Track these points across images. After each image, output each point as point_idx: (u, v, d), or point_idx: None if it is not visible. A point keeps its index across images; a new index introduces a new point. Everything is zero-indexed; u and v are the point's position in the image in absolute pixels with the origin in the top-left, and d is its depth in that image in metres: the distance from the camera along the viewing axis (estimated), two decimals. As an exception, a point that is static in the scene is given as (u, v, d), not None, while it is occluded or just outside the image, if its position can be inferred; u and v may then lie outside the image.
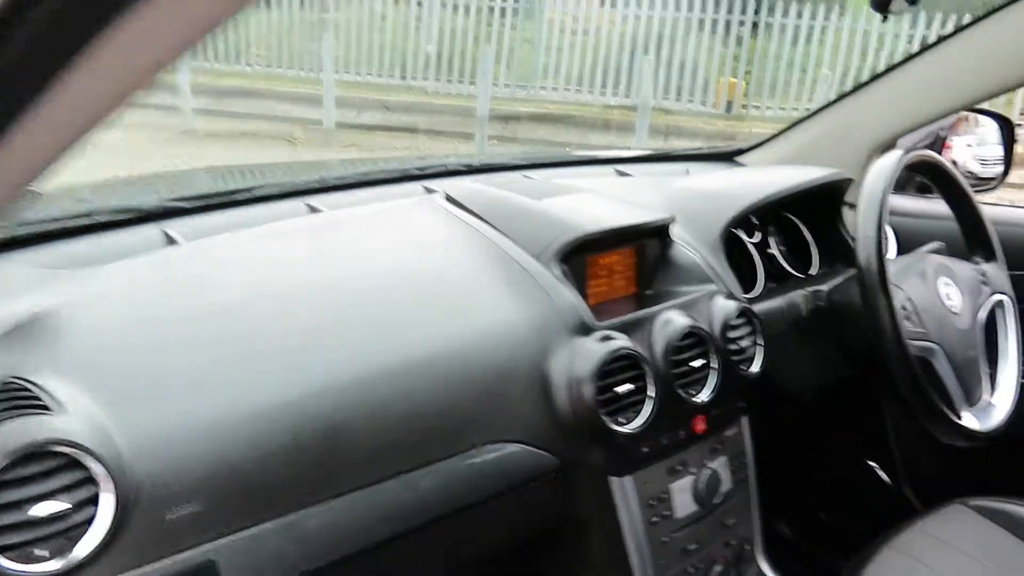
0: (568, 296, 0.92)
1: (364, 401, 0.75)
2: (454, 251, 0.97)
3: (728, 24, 8.15)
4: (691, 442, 0.99)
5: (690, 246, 1.12)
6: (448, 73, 8.50)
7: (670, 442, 0.96)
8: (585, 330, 0.90)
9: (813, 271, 1.37)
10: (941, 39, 1.37)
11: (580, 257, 1.00)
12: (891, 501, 1.58)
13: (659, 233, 1.08)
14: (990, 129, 1.62)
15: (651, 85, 7.74)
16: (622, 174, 1.48)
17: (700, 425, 0.99)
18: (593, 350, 0.87)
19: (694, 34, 8.13)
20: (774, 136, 1.64)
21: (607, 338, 0.89)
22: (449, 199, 1.10)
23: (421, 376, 0.79)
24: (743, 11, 8.05)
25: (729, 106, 8.14)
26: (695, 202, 1.23)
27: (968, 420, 1.10)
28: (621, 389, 0.88)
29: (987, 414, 1.14)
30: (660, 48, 8.10)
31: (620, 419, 0.88)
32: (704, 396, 0.97)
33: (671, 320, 0.97)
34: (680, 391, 0.95)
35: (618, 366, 0.89)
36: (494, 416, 0.83)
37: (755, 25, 8.13)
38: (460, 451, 0.81)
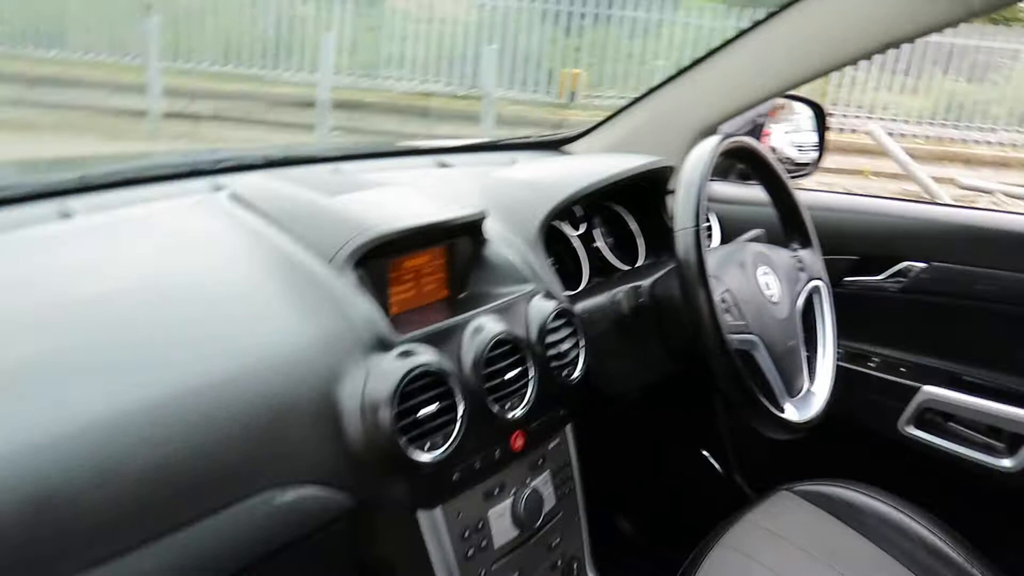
0: (363, 307, 0.81)
1: (95, 455, 0.60)
2: (229, 260, 0.83)
3: (570, 16, 8.31)
4: (509, 461, 0.91)
5: (507, 243, 1.03)
6: (288, 61, 8.12)
7: (485, 464, 0.87)
8: (383, 346, 0.79)
9: (640, 263, 1.32)
10: (756, 24, 1.36)
11: (381, 261, 0.89)
12: (724, 489, 1.58)
13: (471, 230, 0.98)
14: (805, 116, 1.64)
15: (495, 74, 7.74)
16: (444, 165, 1.38)
17: (519, 441, 0.91)
18: (390, 369, 0.77)
19: (538, 25, 8.22)
20: (601, 123, 1.59)
21: (408, 354, 0.79)
22: (234, 198, 0.95)
23: (175, 417, 0.65)
24: (584, 3, 8.22)
25: (572, 96, 8.32)
26: (513, 194, 1.15)
27: (790, 412, 1.08)
28: (424, 412, 0.78)
29: (807, 403, 1.13)
30: (505, 38, 8.13)
31: (425, 445, 0.78)
32: (521, 410, 0.88)
33: (482, 327, 0.88)
34: (494, 406, 0.86)
35: (420, 385, 0.78)
36: (274, 456, 0.71)
37: (596, 17, 8.34)
38: (232, 502, 0.68)
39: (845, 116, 8.85)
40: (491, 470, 0.88)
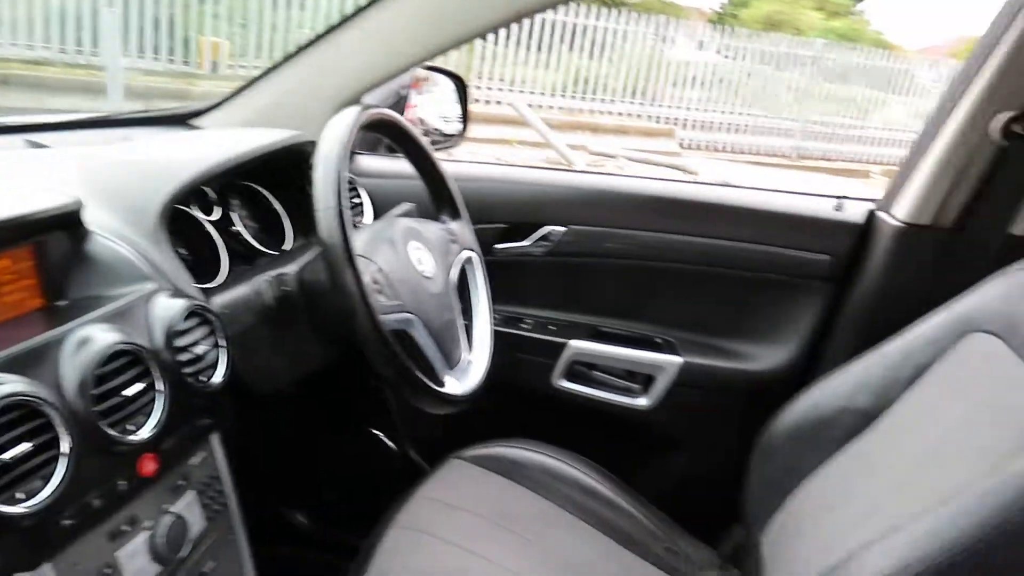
0: None
1: None
2: None
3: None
4: (140, 490, 0.77)
5: (118, 235, 0.87)
6: None
7: (107, 500, 0.73)
8: None
9: (288, 246, 1.23)
10: None
11: None
12: (400, 467, 1.57)
13: (64, 223, 0.81)
14: (448, 88, 1.65)
15: (119, 41, 6.87)
16: (36, 145, 1.15)
17: (149, 466, 0.78)
18: None
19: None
20: (234, 94, 1.44)
21: None
22: None
23: None
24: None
25: (215, 66, 7.76)
26: (124, 178, 0.98)
27: (451, 385, 1.08)
28: (10, 455, 0.62)
29: (467, 373, 1.14)
30: (127, 1, 7.26)
31: (15, 495, 0.62)
32: (148, 431, 0.75)
33: (89, 339, 0.73)
34: (111, 431, 0.71)
35: (7, 420, 0.62)
36: None
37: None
38: None
39: (490, 89, 9.41)
40: (116, 505, 0.74)
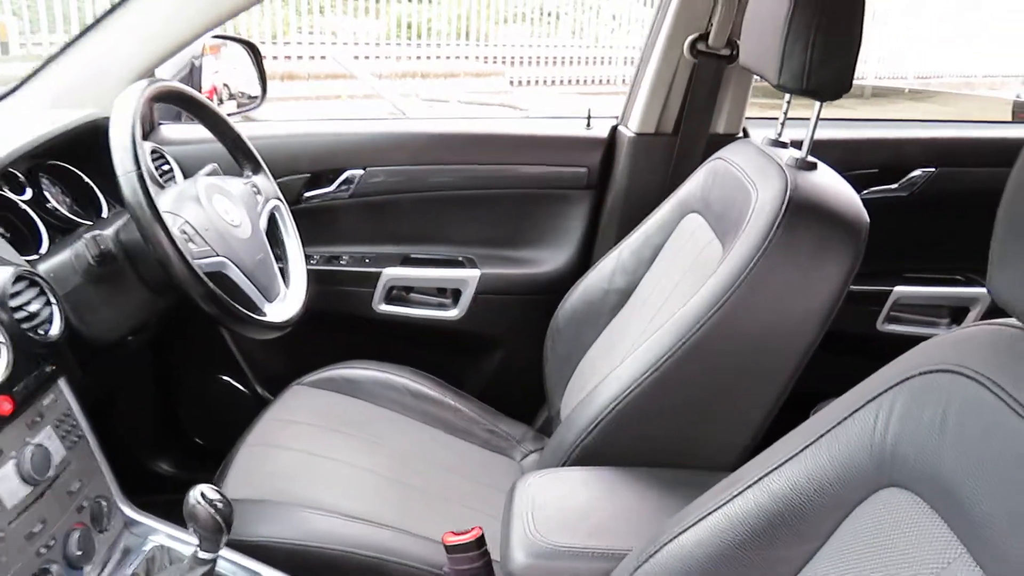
0: None
1: None
2: None
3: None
4: (1, 426, 0.92)
5: None
6: None
7: None
8: None
9: (106, 214, 1.35)
10: None
11: None
12: (251, 404, 1.74)
13: None
14: (242, 54, 1.77)
15: None
16: None
17: (5, 406, 0.92)
18: None
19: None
20: (30, 76, 1.51)
21: None
22: None
23: None
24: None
25: (5, 47, 7.21)
26: None
27: (272, 314, 1.26)
28: None
29: (286, 304, 1.32)
30: None
31: None
32: None
33: None
34: None
35: None
36: None
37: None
38: None
39: (312, 44, 9.19)
40: None
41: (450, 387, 1.56)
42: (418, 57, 10.03)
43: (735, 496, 0.68)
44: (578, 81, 10.69)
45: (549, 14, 10.81)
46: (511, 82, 10.14)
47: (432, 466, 1.36)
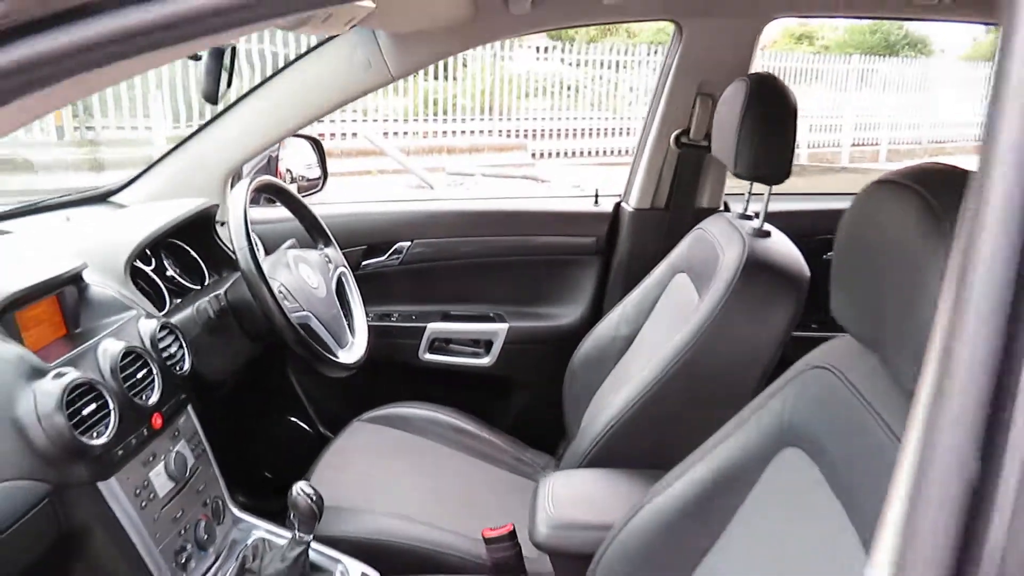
0: (13, 350, 1.06)
1: None
2: None
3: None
4: (154, 436, 1.23)
5: (104, 284, 1.33)
6: None
7: (138, 441, 1.19)
8: (39, 373, 1.06)
9: (207, 282, 1.69)
10: (263, 82, 1.79)
11: (8, 315, 1.14)
12: (314, 442, 2.04)
13: (75, 280, 1.26)
14: (307, 147, 2.14)
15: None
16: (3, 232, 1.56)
17: (157, 421, 1.24)
18: (51, 387, 1.04)
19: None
20: (142, 173, 1.88)
21: (61, 374, 1.07)
22: None
23: None
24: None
25: (60, 132, 7.69)
26: (96, 247, 1.43)
27: (343, 357, 1.58)
28: (87, 410, 1.08)
29: (352, 349, 1.64)
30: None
31: (93, 434, 1.08)
32: (153, 398, 1.22)
33: (108, 346, 1.19)
34: (135, 399, 1.18)
35: (78, 393, 1.08)
36: None
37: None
38: None
39: (343, 122, 9.63)
40: (144, 444, 1.20)
41: (484, 423, 1.85)
42: (443, 133, 10.37)
43: (688, 469, 0.98)
44: (598, 152, 10.83)
45: (569, 88, 11.03)
46: (533, 155, 10.40)
47: (471, 485, 1.64)
